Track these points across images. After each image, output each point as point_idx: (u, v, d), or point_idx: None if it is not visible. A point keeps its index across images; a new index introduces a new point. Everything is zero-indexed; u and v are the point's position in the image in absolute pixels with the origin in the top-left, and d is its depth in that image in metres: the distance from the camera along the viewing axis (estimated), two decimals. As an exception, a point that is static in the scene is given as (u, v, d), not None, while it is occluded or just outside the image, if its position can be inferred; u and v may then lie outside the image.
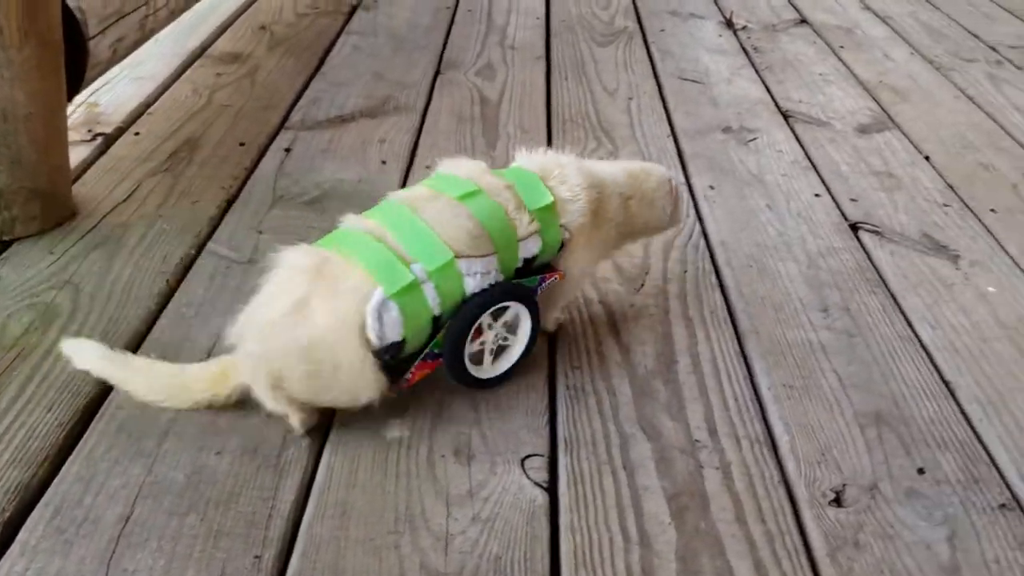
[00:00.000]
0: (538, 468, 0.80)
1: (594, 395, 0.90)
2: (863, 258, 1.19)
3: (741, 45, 1.98)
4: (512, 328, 0.87)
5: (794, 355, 0.98)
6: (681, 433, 0.85)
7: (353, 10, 1.95)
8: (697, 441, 0.85)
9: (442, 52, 1.77)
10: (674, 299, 1.07)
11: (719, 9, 2.24)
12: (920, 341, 1.03)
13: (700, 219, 1.25)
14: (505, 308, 0.84)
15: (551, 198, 0.86)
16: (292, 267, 0.76)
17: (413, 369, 0.79)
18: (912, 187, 1.39)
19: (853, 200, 1.34)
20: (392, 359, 0.77)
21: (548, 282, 0.87)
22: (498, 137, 1.43)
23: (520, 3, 2.12)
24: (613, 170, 0.95)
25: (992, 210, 1.35)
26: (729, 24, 2.11)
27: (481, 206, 0.82)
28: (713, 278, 1.12)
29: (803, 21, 2.19)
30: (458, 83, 1.63)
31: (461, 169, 0.87)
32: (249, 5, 1.91)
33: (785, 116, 1.62)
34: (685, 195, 1.19)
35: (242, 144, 1.33)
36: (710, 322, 1.03)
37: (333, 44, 1.75)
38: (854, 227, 1.26)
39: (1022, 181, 1.45)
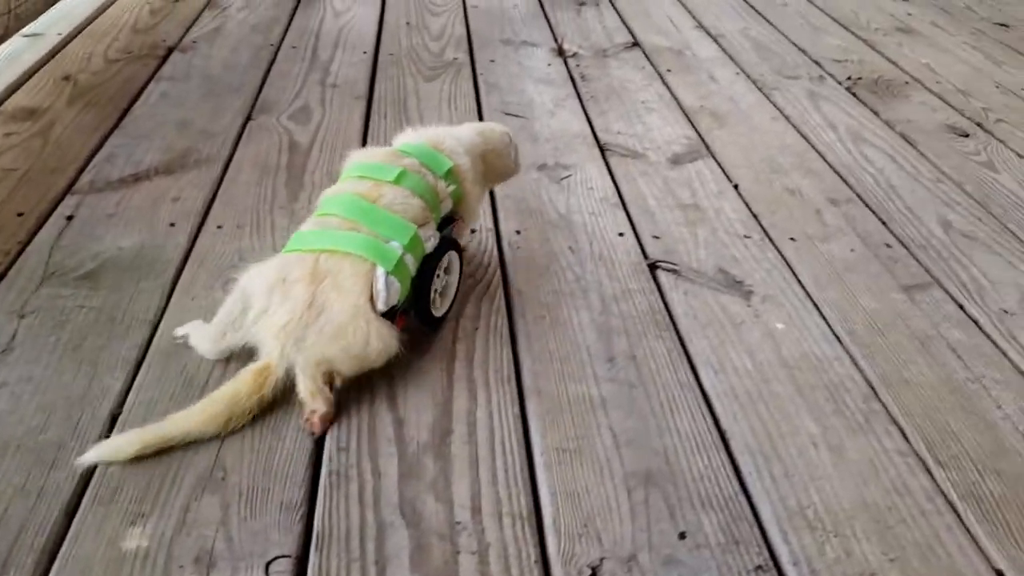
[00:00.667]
0: (283, 572, 0.76)
1: (357, 480, 0.87)
2: (656, 300, 1.19)
3: (569, 74, 1.98)
4: (448, 270, 1.08)
5: (572, 414, 0.98)
6: (443, 515, 0.83)
7: (169, 53, 1.88)
8: (458, 523, 0.83)
9: (257, 94, 1.72)
10: (461, 361, 1.05)
11: (553, 35, 2.24)
12: (701, 388, 1.03)
13: (502, 267, 1.24)
14: (444, 258, 1.04)
15: (451, 163, 1.08)
16: (286, 277, 0.93)
17: (397, 318, 0.97)
18: (715, 219, 1.41)
19: (656, 237, 1.35)
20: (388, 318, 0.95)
21: (454, 228, 1.11)
22: (302, 187, 1.39)
23: (348, 37, 2.08)
24: (469, 133, 1.17)
25: (792, 239, 1.37)
26: (560, 52, 2.11)
27: (414, 183, 1.02)
28: (505, 332, 1.10)
29: (635, 44, 2.21)
30: (268, 128, 1.58)
31: (375, 156, 1.07)
32: (54, 54, 1.82)
33: (602, 149, 1.63)
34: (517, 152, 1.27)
35: (20, 214, 1.26)
36: (494, 383, 1.01)
37: (140, 93, 1.68)
38: (652, 266, 1.27)
39: (826, 206, 1.48)
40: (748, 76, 2.05)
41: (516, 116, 1.73)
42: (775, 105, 1.90)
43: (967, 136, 1.83)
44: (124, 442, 0.85)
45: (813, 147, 1.70)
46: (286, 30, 2.09)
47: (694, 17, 2.48)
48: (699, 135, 1.72)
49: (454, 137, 1.13)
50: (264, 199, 1.35)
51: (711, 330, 1.14)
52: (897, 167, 1.64)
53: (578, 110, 1.79)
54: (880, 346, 1.13)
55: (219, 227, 1.27)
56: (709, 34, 2.34)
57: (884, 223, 1.45)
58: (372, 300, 0.93)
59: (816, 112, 1.87)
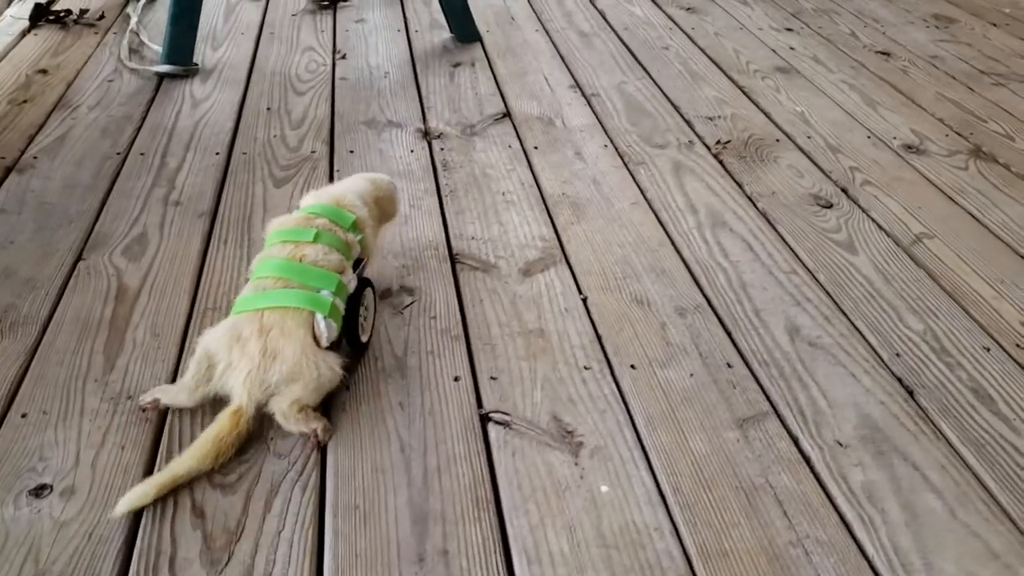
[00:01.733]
0: None
1: None
2: (482, 466, 1.16)
3: (432, 160, 1.93)
4: (367, 306, 1.32)
5: (371, 638, 0.93)
6: None
7: (5, 175, 1.79)
8: None
9: (94, 223, 1.64)
10: None
11: (421, 109, 2.18)
12: (512, 585, 1.00)
13: (321, 448, 1.19)
14: (363, 295, 1.28)
15: (353, 216, 1.32)
16: (233, 338, 1.14)
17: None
18: (558, 347, 1.38)
19: (493, 378, 1.31)
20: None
21: (364, 265, 1.36)
22: (121, 349, 1.33)
23: (203, 133, 2.01)
24: (362, 183, 1.43)
25: (632, 366, 1.35)
26: (425, 134, 2.06)
27: (329, 239, 1.25)
28: (312, 534, 1.06)
29: (506, 115, 2.16)
30: (98, 271, 1.51)
31: (290, 222, 1.29)
32: None
33: (453, 262, 1.58)
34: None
35: None
36: (293, 602, 0.97)
37: (-36, 234, 1.59)
38: (484, 418, 1.23)
39: (673, 319, 1.46)
40: (616, 148, 2.02)
41: (366, 227, 1.67)
42: (638, 185, 1.87)
43: (830, 207, 1.81)
44: (143, 491, 1.04)
45: (670, 239, 1.68)
46: (138, 130, 2.01)
47: (571, 72, 2.43)
48: (556, 234, 1.68)
49: (352, 191, 1.36)
50: (78, 372, 1.29)
51: (533, 503, 1.11)
52: (752, 258, 1.62)
53: (435, 210, 1.74)
54: (704, 505, 1.11)
55: (23, 416, 1.20)
56: (583, 94, 2.30)
57: (729, 334, 1.43)
58: (316, 339, 1.15)
59: (679, 191, 1.85)
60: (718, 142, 2.06)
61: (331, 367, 1.15)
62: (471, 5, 2.62)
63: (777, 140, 2.10)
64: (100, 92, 2.20)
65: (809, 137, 2.11)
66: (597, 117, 2.18)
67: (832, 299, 1.52)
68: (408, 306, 1.46)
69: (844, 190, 1.88)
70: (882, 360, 1.38)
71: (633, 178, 1.90)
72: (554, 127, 2.12)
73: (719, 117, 2.20)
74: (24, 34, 2.51)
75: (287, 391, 1.12)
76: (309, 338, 1.14)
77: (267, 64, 2.40)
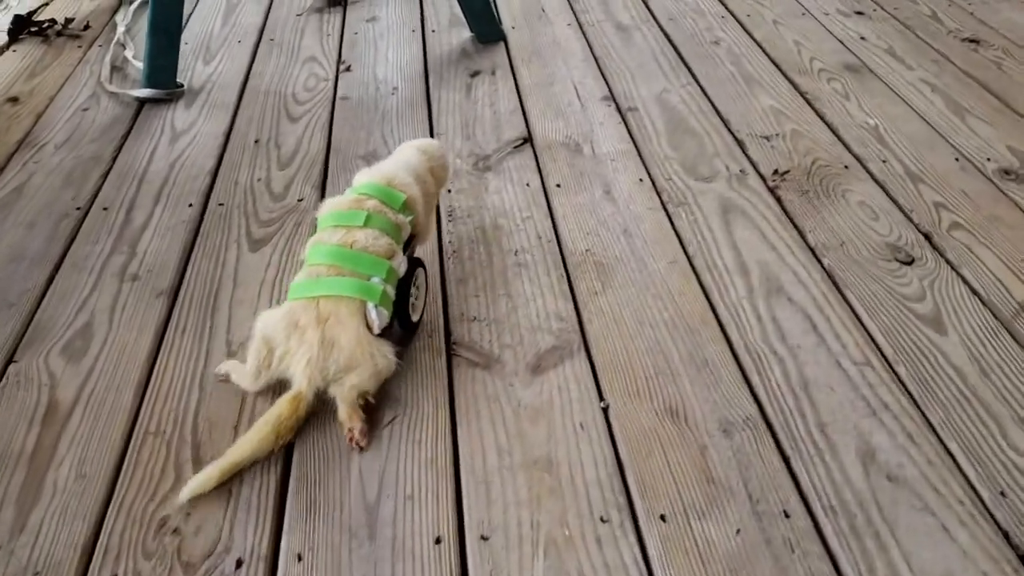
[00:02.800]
0: None
1: None
2: None
3: (437, 208, 1.65)
4: (417, 285, 1.31)
5: None
6: None
7: (-52, 243, 1.56)
8: None
9: (36, 307, 1.41)
10: None
11: (431, 133, 1.89)
12: None
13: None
14: (414, 275, 1.28)
15: (404, 196, 1.30)
16: (289, 325, 1.15)
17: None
18: (569, 485, 1.11)
19: (484, 538, 1.05)
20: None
21: (414, 244, 1.36)
22: (38, 497, 1.10)
23: (179, 178, 1.76)
24: (414, 156, 1.41)
25: (662, 516, 1.07)
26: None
27: (380, 222, 1.24)
28: None
29: (526, 140, 1.87)
30: (30, 378, 1.28)
31: (342, 204, 1.28)
32: None
33: (449, 355, 1.32)
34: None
35: None
36: None
37: None
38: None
39: (714, 439, 1.18)
40: (653, 182, 1.72)
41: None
42: (678, 235, 1.57)
43: (911, 263, 1.49)
44: (206, 476, 1.07)
45: (715, 313, 1.38)
46: (106, 175, 1.77)
47: (605, 79, 2.12)
48: (576, 309, 1.40)
49: (404, 168, 1.36)
50: (-19, 535, 1.05)
51: None
52: (816, 341, 1.32)
53: (435, 277, 1.47)
54: None
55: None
56: (619, 108, 1.99)
57: (787, 461, 1.14)
58: (368, 327, 1.16)
59: (727, 244, 1.54)
60: (775, 172, 1.74)
61: (385, 355, 1.17)
62: None
63: (846, 166, 1.76)
64: (72, 125, 1.95)
65: (884, 161, 1.77)
66: (633, 139, 1.87)
67: (916, 404, 1.22)
68: (390, 423, 1.20)
69: (928, 236, 1.55)
70: (982, 501, 1.08)
71: (672, 224, 1.59)
72: (581, 155, 1.82)
73: (777, 135, 1.87)
74: (2, 51, 2.27)
75: (347, 379, 1.14)
76: (363, 327, 1.15)
77: (262, 81, 2.13)
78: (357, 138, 1.90)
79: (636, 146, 1.86)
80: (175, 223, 1.62)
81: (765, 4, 2.55)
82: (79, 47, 2.32)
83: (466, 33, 2.36)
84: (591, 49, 2.29)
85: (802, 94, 2.05)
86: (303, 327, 1.14)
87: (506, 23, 2.44)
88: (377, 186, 1.30)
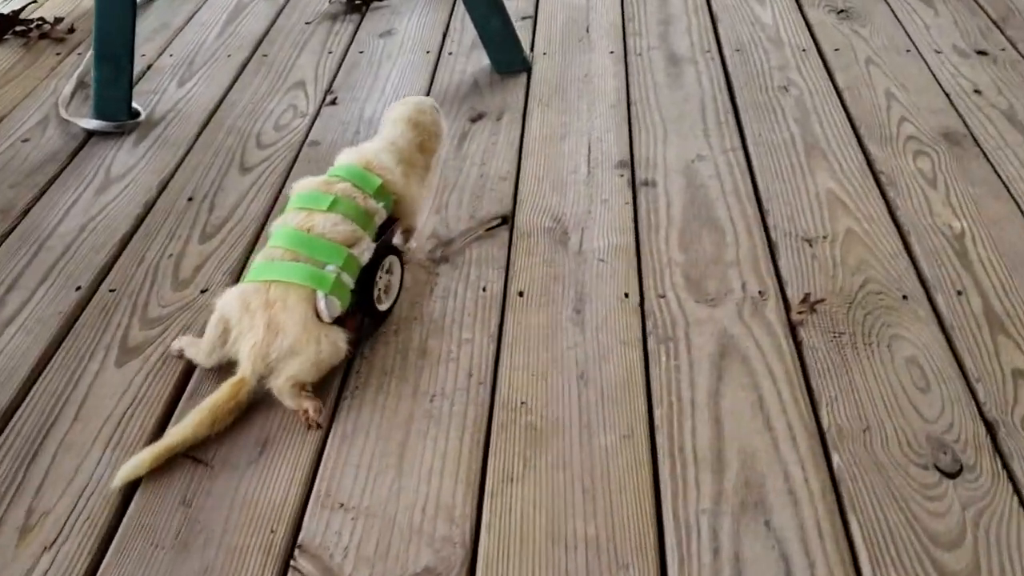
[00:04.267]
0: None
1: None
2: None
3: (349, 353, 1.32)
4: (390, 271, 1.29)
5: None
6: None
7: None
8: None
9: None
10: None
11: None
12: None
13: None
14: (384, 261, 1.25)
15: (379, 180, 1.27)
16: (242, 307, 1.15)
17: (347, 323, 1.18)
18: None
19: None
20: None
21: (395, 229, 1.33)
22: None
23: (83, 246, 1.50)
24: (401, 130, 1.37)
25: None
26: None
27: (346, 207, 1.21)
28: None
29: (505, 221, 1.51)
30: None
31: (311, 185, 1.25)
32: None
33: (287, 565, 0.99)
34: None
35: None
36: None
37: None
38: None
39: None
40: (641, 300, 1.35)
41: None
42: (648, 391, 1.19)
43: (955, 476, 1.09)
44: (140, 460, 1.07)
45: (660, 535, 1.03)
46: (7, 235, 1.52)
47: (630, 133, 1.74)
48: (476, 507, 1.07)
49: (387, 148, 1.33)
50: None
51: None
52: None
53: (298, 453, 1.14)
54: None
55: None
56: (633, 180, 1.60)
57: None
58: (317, 314, 1.13)
59: (707, 415, 1.17)
60: (805, 299, 1.33)
61: (333, 342, 1.14)
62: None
63: (904, 296, 1.33)
64: (3, 159, 1.71)
65: (960, 293, 1.33)
66: (636, 230, 1.49)
67: None
68: None
69: (992, 430, 1.13)
70: None
71: (646, 371, 1.23)
72: (565, 250, 1.45)
73: (823, 237, 1.45)
74: (-21, 55, 2.06)
75: (285, 366, 1.11)
76: (311, 313, 1.12)
77: (231, 113, 1.84)
78: (306, 203, 1.57)
79: (637, 240, 1.47)
80: (50, 314, 1.35)
81: (863, 34, 2.07)
82: (57, 54, 2.09)
83: (486, 59, 1.99)
84: (627, 89, 1.89)
85: (875, 174, 1.60)
86: (252, 310, 1.13)
87: (538, 47, 2.06)
88: (352, 168, 1.27)
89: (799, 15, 2.18)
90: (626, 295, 1.36)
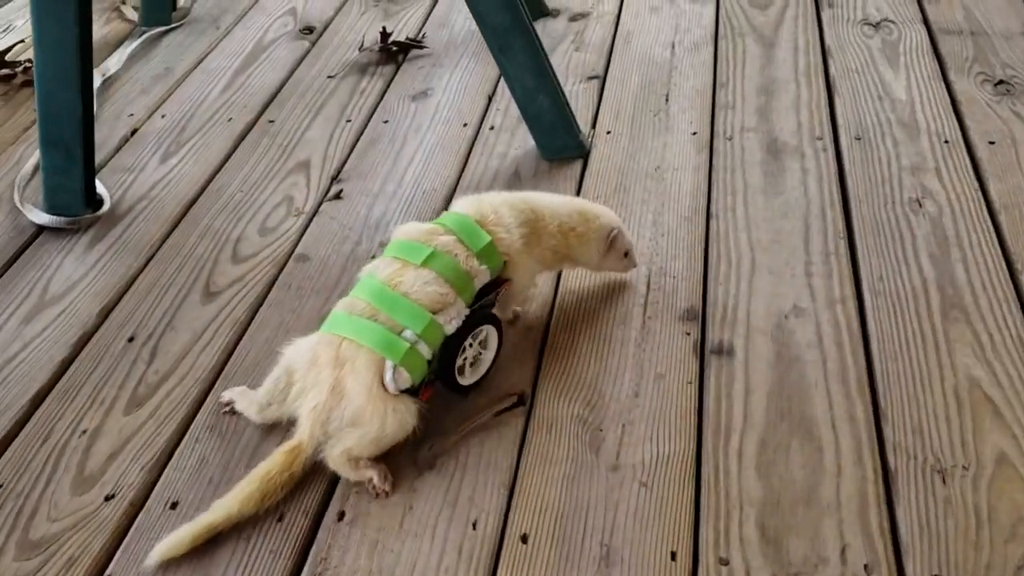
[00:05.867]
0: None
1: None
2: None
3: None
4: (484, 343, 1.13)
5: None
6: None
7: None
8: None
9: None
10: None
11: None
12: None
13: None
14: (479, 331, 1.10)
15: (488, 239, 1.09)
16: (311, 361, 1.02)
17: (422, 393, 1.06)
18: None
19: None
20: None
21: (502, 292, 1.13)
22: None
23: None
24: (557, 204, 1.20)
25: None
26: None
27: (442, 265, 1.05)
28: None
29: (520, 402, 1.12)
30: None
31: (413, 233, 1.09)
32: None
33: None
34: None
35: None
36: None
37: None
38: None
39: None
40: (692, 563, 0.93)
41: None
42: None
43: None
44: (178, 539, 0.96)
45: None
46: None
47: (705, 268, 1.31)
48: None
49: (520, 206, 1.15)
50: None
51: None
52: None
53: None
54: None
55: None
56: (701, 346, 1.20)
57: None
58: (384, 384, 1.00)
59: None
60: (934, 591, 0.89)
61: (401, 417, 1.01)
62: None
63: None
64: (-69, 263, 1.40)
65: None
66: (699, 431, 1.09)
67: None
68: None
69: None
70: None
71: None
72: (595, 460, 1.08)
73: (962, 468, 1.01)
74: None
75: (344, 436, 1.00)
76: (379, 381, 0.99)
77: (214, 205, 1.50)
78: (274, 346, 1.21)
79: (699, 451, 1.06)
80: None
81: (1025, 116, 1.58)
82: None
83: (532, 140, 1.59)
84: (708, 191, 1.47)
85: (1043, 359, 1.14)
86: (320, 365, 1.01)
87: (602, 122, 1.65)
88: (462, 219, 1.11)
89: (943, 86, 1.69)
90: (673, 556, 0.95)
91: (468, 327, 1.07)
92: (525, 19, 1.44)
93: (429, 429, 1.11)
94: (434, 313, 1.03)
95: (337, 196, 1.51)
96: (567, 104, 1.54)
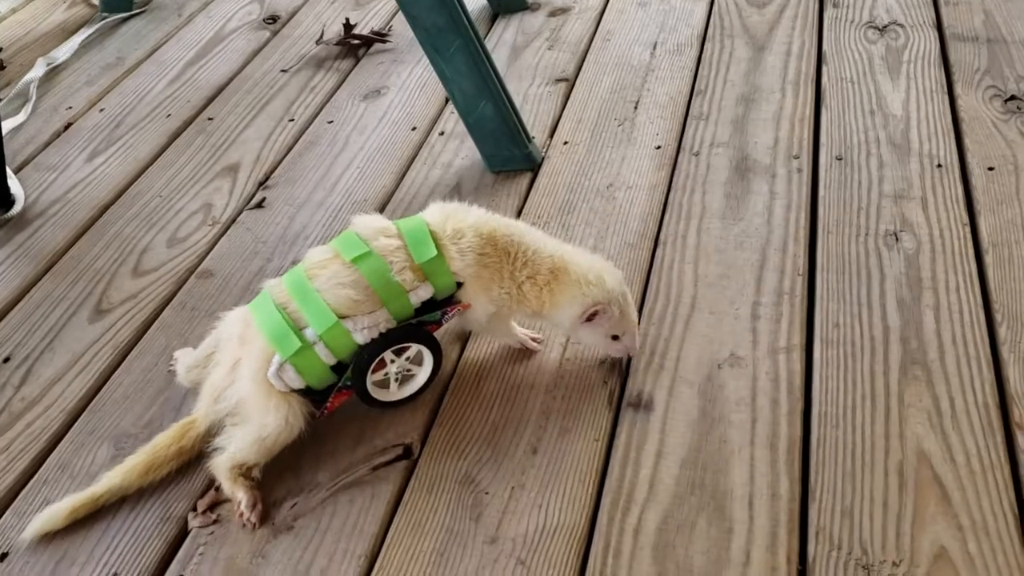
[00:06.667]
0: None
1: None
2: None
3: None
4: (417, 360, 1.04)
5: None
6: None
7: None
8: None
9: None
10: None
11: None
12: None
13: None
14: (406, 346, 1.00)
15: (433, 253, 0.97)
16: (229, 335, 0.98)
17: (331, 399, 0.98)
18: None
19: None
20: (308, 398, 0.96)
21: (452, 313, 1.01)
22: None
23: None
24: (547, 251, 1.03)
25: None
26: None
27: (369, 268, 0.96)
28: None
29: (406, 454, 1.00)
30: None
31: (364, 228, 0.99)
32: None
33: None
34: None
35: None
36: None
37: None
38: None
39: None
40: None
41: None
42: None
43: None
44: (57, 510, 0.93)
45: None
46: None
47: (644, 291, 1.17)
48: None
49: (476, 230, 1.00)
50: None
51: None
52: None
53: None
54: None
55: None
56: (619, 395, 1.06)
57: None
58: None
59: None
60: None
61: (284, 417, 0.94)
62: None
63: None
64: None
65: None
66: (596, 501, 0.95)
67: None
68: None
69: None
70: None
71: None
72: (472, 530, 0.95)
73: (892, 564, 0.86)
74: None
75: (232, 435, 0.95)
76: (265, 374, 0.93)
77: (129, 209, 1.40)
78: (151, 376, 1.10)
79: (592, 524, 0.92)
80: None
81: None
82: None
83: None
84: (662, 214, 1.32)
85: (1012, 437, 0.98)
86: (230, 339, 0.97)
87: (562, 131, 1.51)
88: (417, 225, 1.00)
89: (945, 101, 1.51)
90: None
91: (388, 341, 0.98)
92: (463, 18, 1.30)
93: (298, 483, 0.99)
94: (342, 318, 0.94)
95: (259, 205, 1.40)
96: (514, 111, 1.40)
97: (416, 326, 1.00)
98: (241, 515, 0.95)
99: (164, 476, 0.98)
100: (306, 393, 0.96)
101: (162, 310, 1.23)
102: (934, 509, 0.93)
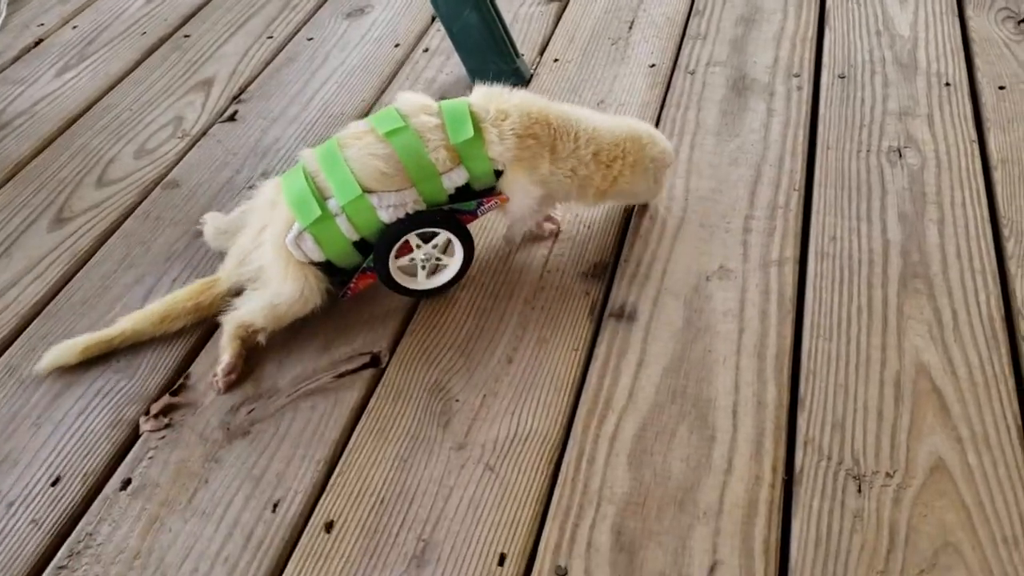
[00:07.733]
0: None
1: None
2: None
3: None
4: (447, 251, 0.99)
5: None
6: None
7: None
8: None
9: None
10: None
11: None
12: None
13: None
14: (435, 233, 0.95)
15: (471, 134, 0.92)
16: (262, 199, 0.96)
17: (355, 279, 0.95)
18: None
19: None
20: (329, 274, 0.94)
21: (489, 205, 0.96)
22: None
23: None
24: (604, 125, 1.00)
25: None
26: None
27: (402, 143, 0.91)
28: None
29: (374, 361, 0.94)
30: None
31: (406, 103, 0.94)
32: None
33: None
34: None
35: None
36: None
37: None
38: None
39: None
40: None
41: None
42: None
43: None
44: (71, 346, 0.94)
45: None
46: None
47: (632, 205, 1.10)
48: None
49: (532, 115, 0.95)
50: None
51: None
52: None
53: None
54: None
55: None
56: (601, 305, 0.99)
57: None
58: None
59: None
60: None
61: (300, 287, 0.92)
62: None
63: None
64: None
65: None
66: (573, 409, 0.89)
67: None
68: None
69: None
70: None
71: None
72: (440, 436, 0.88)
73: (886, 475, 0.81)
74: None
75: (250, 297, 0.94)
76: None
77: (98, 123, 1.34)
78: (110, 282, 1.05)
79: (568, 429, 0.86)
80: None
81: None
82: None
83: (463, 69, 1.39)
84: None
85: (1017, 342, 0.92)
86: (264, 203, 0.95)
87: (553, 48, 1.44)
88: (458, 105, 0.94)
89: (956, 23, 1.43)
90: (502, 559, 0.77)
91: (414, 222, 0.92)
92: (445, -83, 1.22)
93: (257, 389, 0.93)
94: (369, 192, 0.90)
95: (231, 118, 1.33)
96: (502, 23, 1.33)
97: (447, 212, 0.94)
98: (214, 376, 0.94)
99: (178, 329, 0.98)
100: (329, 270, 0.93)
101: (125, 219, 1.17)
102: (932, 420, 0.87)
